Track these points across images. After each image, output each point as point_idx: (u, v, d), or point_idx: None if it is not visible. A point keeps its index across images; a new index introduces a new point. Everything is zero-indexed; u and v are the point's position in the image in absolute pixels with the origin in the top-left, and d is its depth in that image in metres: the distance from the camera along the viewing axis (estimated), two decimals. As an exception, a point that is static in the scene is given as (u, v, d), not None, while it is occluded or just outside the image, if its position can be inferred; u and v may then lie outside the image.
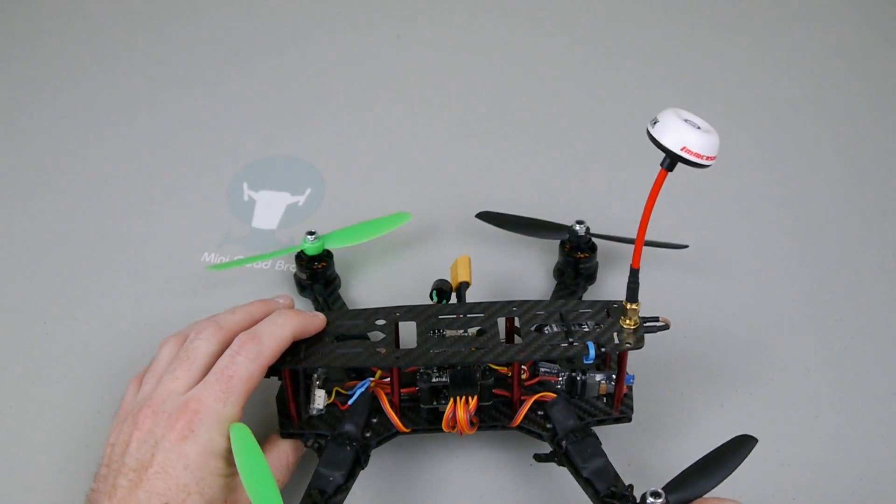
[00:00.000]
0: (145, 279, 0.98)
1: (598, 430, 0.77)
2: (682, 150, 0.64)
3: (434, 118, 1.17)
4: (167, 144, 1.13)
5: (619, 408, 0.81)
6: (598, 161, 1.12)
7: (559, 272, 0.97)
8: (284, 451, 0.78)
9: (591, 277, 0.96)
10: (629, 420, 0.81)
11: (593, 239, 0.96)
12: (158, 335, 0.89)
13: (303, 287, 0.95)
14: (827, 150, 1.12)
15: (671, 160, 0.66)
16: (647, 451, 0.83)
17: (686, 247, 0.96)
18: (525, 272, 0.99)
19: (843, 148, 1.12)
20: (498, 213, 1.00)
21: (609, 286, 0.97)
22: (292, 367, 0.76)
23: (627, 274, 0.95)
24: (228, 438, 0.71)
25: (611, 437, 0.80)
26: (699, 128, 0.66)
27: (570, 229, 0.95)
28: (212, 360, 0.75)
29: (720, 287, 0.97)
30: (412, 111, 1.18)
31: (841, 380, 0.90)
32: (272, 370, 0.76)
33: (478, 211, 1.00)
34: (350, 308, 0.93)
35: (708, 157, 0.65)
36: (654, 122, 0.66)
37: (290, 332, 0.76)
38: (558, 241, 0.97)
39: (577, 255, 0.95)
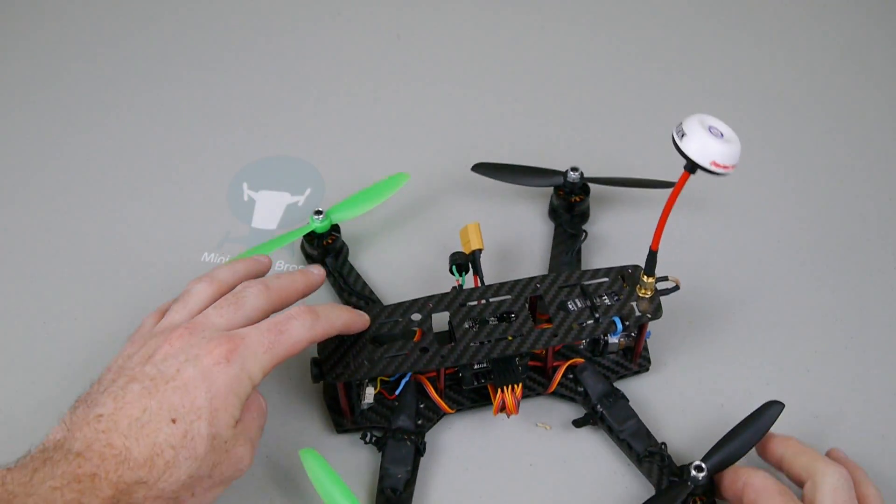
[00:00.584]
0: (145, 279, 0.98)
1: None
2: (711, 164, 0.68)
3: (432, 117, 1.15)
4: (167, 145, 1.12)
5: (637, 361, 0.88)
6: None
7: (554, 213, 1.01)
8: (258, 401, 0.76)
9: (584, 216, 1.01)
10: (647, 370, 0.89)
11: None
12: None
13: (313, 261, 0.97)
14: (826, 150, 1.12)
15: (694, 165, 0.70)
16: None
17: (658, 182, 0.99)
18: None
19: (843, 148, 1.12)
20: (493, 164, 1.02)
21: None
22: (346, 380, 0.79)
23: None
24: (253, 385, 0.71)
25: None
26: (722, 135, 0.69)
27: (564, 175, 0.98)
28: (257, 314, 0.75)
29: (719, 288, 0.97)
30: (412, 110, 1.16)
31: (841, 379, 0.91)
32: (321, 377, 0.80)
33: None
34: (363, 277, 0.96)
35: (732, 167, 0.69)
36: (682, 134, 0.69)
37: (341, 324, 0.78)
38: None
39: (572, 199, 0.99)
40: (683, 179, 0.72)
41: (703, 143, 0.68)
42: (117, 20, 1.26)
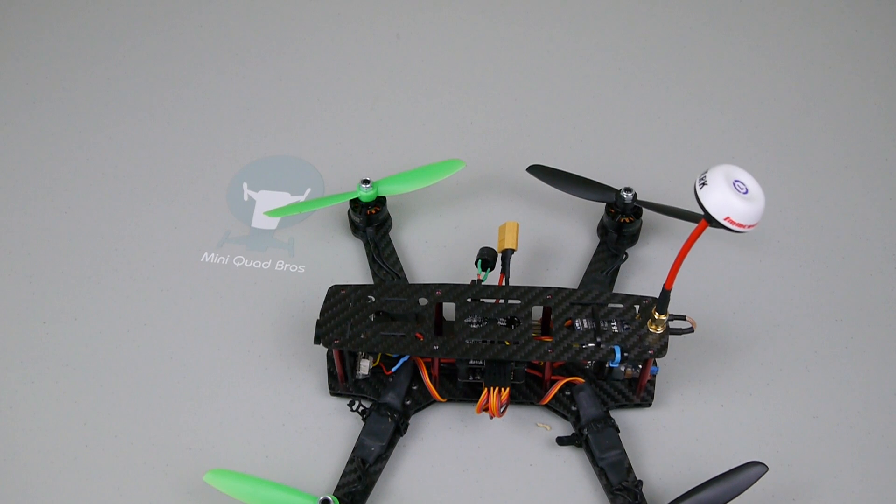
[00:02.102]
0: (145, 279, 0.99)
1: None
2: (725, 219, 0.67)
3: (431, 116, 1.15)
4: (167, 145, 1.12)
5: (640, 394, 0.87)
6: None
7: (603, 230, 1.00)
8: None
9: (633, 238, 1.00)
10: (649, 405, 0.88)
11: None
12: (158, 335, 0.95)
13: (356, 228, 1.00)
14: (827, 151, 1.11)
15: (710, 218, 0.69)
16: (641, 450, 0.88)
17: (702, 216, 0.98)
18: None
19: (844, 148, 1.11)
20: (549, 168, 1.02)
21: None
22: (339, 349, 0.82)
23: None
24: None
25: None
26: (747, 191, 0.68)
27: (617, 195, 0.97)
28: None
29: (719, 288, 0.98)
30: (412, 109, 1.16)
31: (841, 380, 0.92)
32: (319, 340, 0.83)
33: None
34: (398, 254, 0.98)
35: (750, 226, 0.68)
36: (703, 184, 0.68)
37: None
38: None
39: (622, 220, 0.98)
40: (700, 229, 0.71)
41: (723, 198, 0.67)
42: (117, 21, 1.25)
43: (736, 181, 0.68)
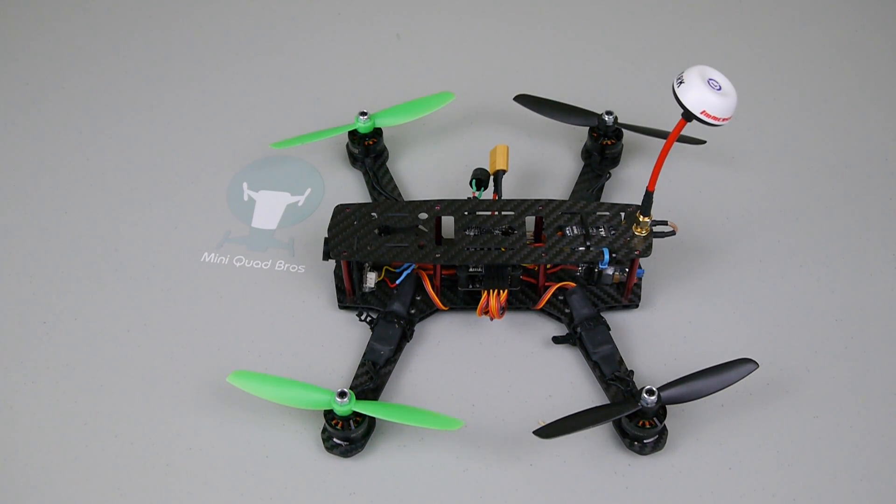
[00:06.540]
0: (145, 279, 1.00)
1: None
2: (701, 113, 0.73)
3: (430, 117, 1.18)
4: (167, 144, 1.12)
5: (628, 296, 0.94)
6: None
7: (587, 154, 1.06)
8: None
9: (615, 160, 1.06)
10: (636, 307, 0.94)
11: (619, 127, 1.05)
12: (158, 336, 0.96)
13: (355, 160, 1.05)
14: (827, 149, 1.12)
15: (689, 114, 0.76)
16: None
17: (704, 142, 1.03)
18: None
19: (844, 147, 1.12)
20: (535, 97, 1.07)
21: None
22: (347, 259, 0.88)
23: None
24: None
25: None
26: (720, 88, 0.74)
27: (599, 118, 1.03)
28: None
29: (720, 288, 0.99)
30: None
31: (841, 380, 0.93)
32: (328, 255, 0.88)
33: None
34: (396, 182, 1.04)
35: (723, 119, 0.74)
36: (680, 82, 0.74)
37: None
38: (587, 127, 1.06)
39: (604, 142, 1.04)
40: (679, 127, 0.77)
41: (699, 94, 0.74)
42: (117, 20, 1.26)
43: (710, 79, 0.75)
